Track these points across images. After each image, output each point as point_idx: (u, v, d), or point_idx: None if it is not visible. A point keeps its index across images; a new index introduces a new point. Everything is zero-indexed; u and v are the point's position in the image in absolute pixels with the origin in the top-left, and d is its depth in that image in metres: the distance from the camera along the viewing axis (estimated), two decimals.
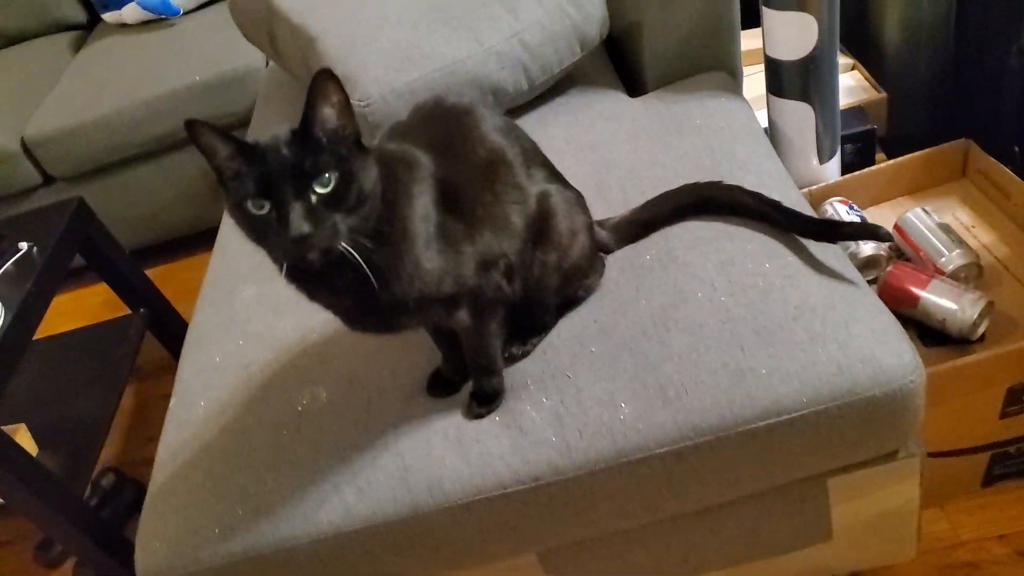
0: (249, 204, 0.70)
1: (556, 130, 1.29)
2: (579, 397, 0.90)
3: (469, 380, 0.95)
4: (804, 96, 1.27)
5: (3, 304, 1.39)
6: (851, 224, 1.22)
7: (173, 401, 1.12)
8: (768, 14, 1.22)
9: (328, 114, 0.71)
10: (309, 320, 1.11)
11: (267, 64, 2.08)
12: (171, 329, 1.99)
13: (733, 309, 0.92)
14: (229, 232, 1.37)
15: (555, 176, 0.94)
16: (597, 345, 0.94)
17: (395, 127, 0.88)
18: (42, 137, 2.14)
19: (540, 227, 0.88)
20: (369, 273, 0.73)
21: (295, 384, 1.04)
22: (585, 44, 1.31)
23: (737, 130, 1.18)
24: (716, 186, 1.04)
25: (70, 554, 1.65)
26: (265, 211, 0.70)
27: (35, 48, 2.64)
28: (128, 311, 1.92)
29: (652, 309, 0.95)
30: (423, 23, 1.25)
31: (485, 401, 0.93)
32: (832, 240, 0.98)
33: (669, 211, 1.05)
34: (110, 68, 2.26)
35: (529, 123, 1.33)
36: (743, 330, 0.89)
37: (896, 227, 1.27)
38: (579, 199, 0.97)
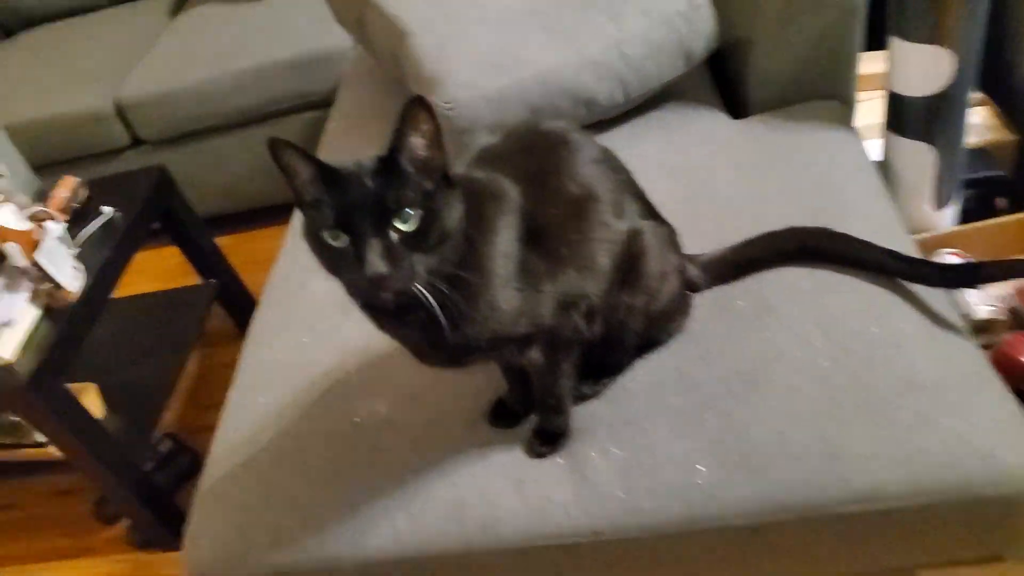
0: (326, 234, 0.67)
1: (649, 147, 1.22)
2: (652, 452, 0.84)
3: (533, 413, 0.90)
4: (927, 136, 1.17)
5: (85, 267, 1.40)
6: (995, 264, 1.02)
7: (233, 392, 1.11)
8: (897, 45, 1.12)
9: (417, 143, 0.66)
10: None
11: (355, 46, 2.05)
12: (238, 300, 2.00)
13: (832, 375, 0.84)
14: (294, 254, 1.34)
15: (648, 210, 0.88)
16: (677, 397, 0.87)
17: (485, 151, 0.82)
18: (135, 100, 2.16)
19: (628, 268, 0.82)
20: (441, 315, 0.69)
21: (355, 394, 1.00)
22: (690, 59, 1.23)
23: (848, 167, 1.09)
24: (824, 235, 0.96)
25: (123, 515, 1.68)
26: (342, 244, 0.67)
27: (137, 9, 2.68)
28: (198, 280, 1.93)
29: (741, 363, 0.88)
30: (521, 26, 1.18)
31: (549, 440, 0.88)
32: (971, 284, 0.88)
33: (769, 254, 0.97)
34: (203, 37, 2.26)
35: (620, 137, 1.26)
36: (842, 401, 0.82)
37: (1020, 291, 1.16)
38: (671, 236, 0.90)
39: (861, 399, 0.81)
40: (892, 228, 1.01)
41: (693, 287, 0.96)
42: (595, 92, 1.17)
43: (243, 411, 1.06)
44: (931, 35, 1.06)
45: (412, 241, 0.66)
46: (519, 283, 0.74)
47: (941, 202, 1.24)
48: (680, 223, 0.96)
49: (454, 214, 0.68)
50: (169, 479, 1.66)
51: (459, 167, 0.81)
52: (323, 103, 2.11)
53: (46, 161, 2.23)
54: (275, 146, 0.66)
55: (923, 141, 1.17)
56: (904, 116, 1.18)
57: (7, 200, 1.23)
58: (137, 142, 2.28)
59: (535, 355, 0.80)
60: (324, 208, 0.66)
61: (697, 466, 0.82)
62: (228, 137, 2.22)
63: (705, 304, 0.96)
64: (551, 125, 0.83)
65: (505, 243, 0.74)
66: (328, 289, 1.17)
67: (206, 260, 1.91)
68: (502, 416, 0.92)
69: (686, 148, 1.20)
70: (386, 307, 0.71)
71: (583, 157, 0.80)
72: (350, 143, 1.50)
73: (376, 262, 0.64)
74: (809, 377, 0.84)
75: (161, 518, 1.49)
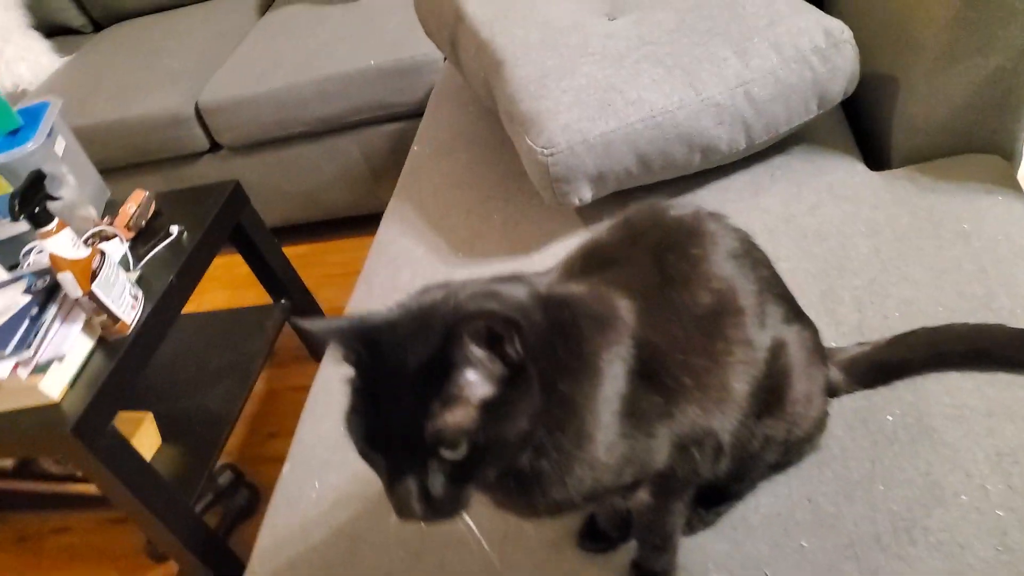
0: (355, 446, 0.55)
1: (772, 201, 1.05)
2: None
3: (630, 540, 0.76)
4: None
5: (144, 294, 1.33)
6: None
7: (286, 468, 1.01)
8: None
9: (476, 357, 0.52)
10: None
11: (445, 59, 1.93)
12: None
13: (1013, 533, 0.67)
14: (386, 264, 1.23)
15: (793, 312, 0.71)
16: (809, 538, 0.71)
17: (590, 249, 0.67)
18: (215, 105, 2.11)
19: (769, 391, 0.66)
20: (516, 488, 0.56)
21: None
22: (824, 102, 1.05)
23: (1016, 245, 0.90)
24: (1000, 334, 0.78)
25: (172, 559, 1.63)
26: (376, 463, 0.55)
27: (224, 6, 2.63)
28: (268, 298, 1.86)
29: (892, 503, 0.71)
30: (630, 59, 1.03)
31: None
32: None
33: (926, 356, 0.79)
34: (288, 39, 2.19)
35: (736, 187, 1.10)
36: (1022, 568, 0.65)
37: None
38: (816, 341, 0.73)
39: None
40: None
41: (831, 392, 0.79)
42: (714, 138, 1.01)
43: (296, 495, 0.95)
44: None
45: (462, 469, 0.52)
46: (625, 426, 0.59)
47: None
48: (810, 302, 0.80)
49: (523, 419, 0.53)
50: (226, 517, 1.59)
51: (553, 274, 0.66)
52: (410, 114, 2.01)
53: (121, 164, 2.22)
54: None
55: None
56: None
57: (64, 224, 1.15)
58: (215, 146, 2.22)
59: (642, 496, 0.65)
60: (355, 413, 0.53)
61: None
62: (308, 145, 2.14)
63: (844, 413, 0.79)
64: (680, 213, 0.67)
65: (611, 384, 0.58)
66: None
67: (278, 281, 1.83)
68: (593, 539, 0.78)
69: (817, 205, 1.03)
70: None
71: (719, 254, 0.64)
72: (438, 170, 1.38)
73: (408, 508, 0.52)
74: (981, 532, 0.68)
75: (211, 562, 1.42)
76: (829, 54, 1.01)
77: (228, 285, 2.32)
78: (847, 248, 0.96)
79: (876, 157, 1.11)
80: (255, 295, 2.14)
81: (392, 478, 0.52)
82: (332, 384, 1.06)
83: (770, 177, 1.10)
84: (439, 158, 1.42)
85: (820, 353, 0.73)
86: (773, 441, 0.69)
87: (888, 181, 1.04)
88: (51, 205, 1.17)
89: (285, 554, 0.88)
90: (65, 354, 1.17)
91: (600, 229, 0.70)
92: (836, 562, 0.69)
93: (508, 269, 1.14)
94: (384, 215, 1.38)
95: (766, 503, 0.75)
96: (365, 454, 0.54)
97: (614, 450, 0.59)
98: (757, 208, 1.05)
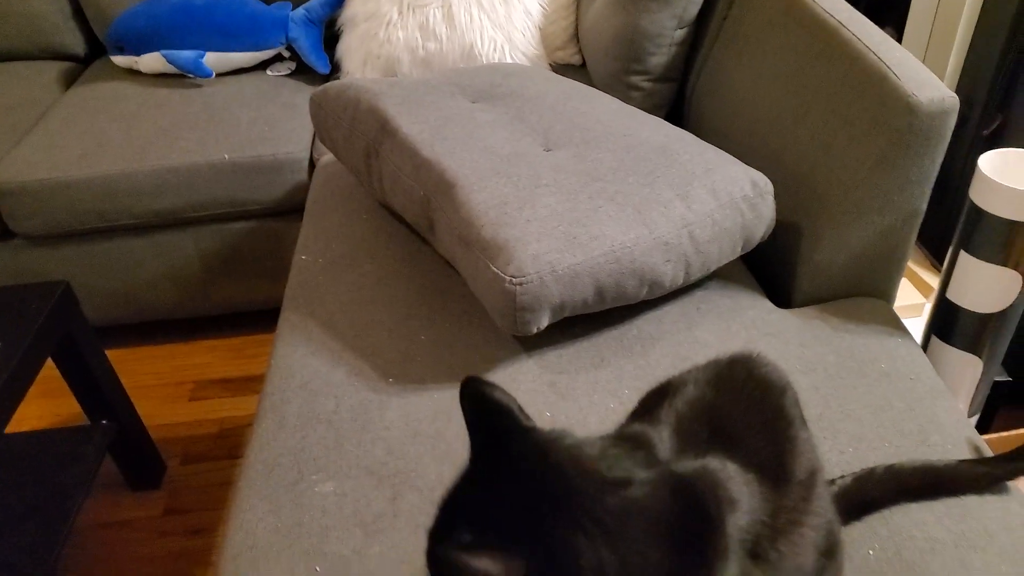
0: None
1: (706, 335, 1.11)
2: None
3: None
4: (975, 348, 1.15)
5: None
6: None
7: None
8: (964, 260, 1.10)
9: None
10: (419, 552, 0.85)
11: (312, 156, 1.84)
12: (132, 443, 1.65)
13: None
14: (296, 391, 1.09)
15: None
16: None
17: (695, 402, 0.65)
18: (13, 186, 1.79)
19: (827, 541, 0.68)
20: None
21: None
22: (747, 245, 1.15)
23: (928, 385, 1.03)
24: (945, 467, 0.87)
25: None
26: None
27: (18, 72, 2.30)
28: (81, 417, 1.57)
29: None
30: (584, 193, 1.06)
31: None
32: None
33: (891, 492, 0.86)
34: (113, 120, 1.94)
35: (671, 318, 1.14)
36: None
37: None
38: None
39: None
40: (972, 437, 0.96)
41: None
42: (661, 273, 1.06)
43: None
44: (1005, 258, 1.05)
45: None
46: None
47: (972, 411, 1.22)
48: None
49: None
50: None
51: (665, 432, 0.62)
52: (262, 214, 1.87)
53: None
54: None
55: (971, 352, 1.15)
56: (956, 326, 1.15)
57: None
58: (7, 234, 1.89)
59: None
60: None
61: None
62: (133, 239, 1.90)
63: None
64: (768, 370, 0.67)
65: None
66: (340, 491, 0.95)
67: (101, 395, 1.56)
68: None
69: (749, 341, 1.10)
70: None
71: (799, 415, 0.66)
72: (340, 284, 1.28)
73: None
74: None
75: None
76: (756, 202, 1.12)
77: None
78: None
79: (777, 297, 1.22)
80: (59, 407, 1.81)
81: None
82: (258, 536, 0.90)
83: (696, 310, 1.16)
84: (338, 270, 1.32)
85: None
86: None
87: (803, 320, 1.15)
88: None
89: None
90: None
91: (694, 376, 0.68)
92: None
93: (453, 399, 1.08)
94: (278, 331, 1.24)
95: None
96: None
97: None
98: (695, 341, 1.10)
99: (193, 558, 1.54)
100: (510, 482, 0.53)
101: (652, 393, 0.71)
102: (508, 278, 0.96)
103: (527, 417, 0.58)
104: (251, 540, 0.89)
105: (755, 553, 0.57)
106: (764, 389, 0.65)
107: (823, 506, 0.65)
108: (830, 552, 0.68)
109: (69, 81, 2.30)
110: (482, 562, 0.47)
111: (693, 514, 0.53)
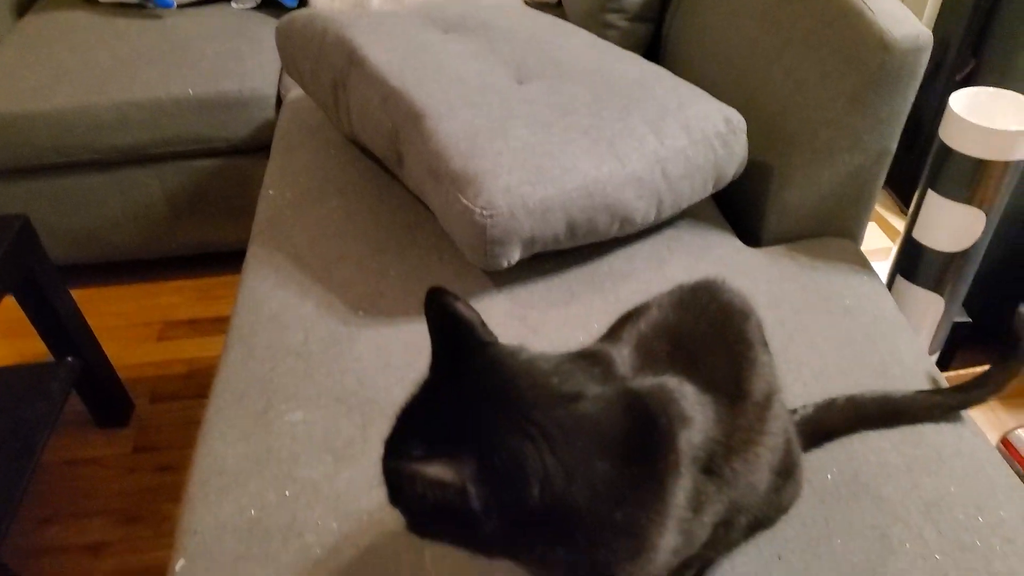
0: None
1: (676, 273, 1.12)
2: None
3: None
4: (938, 287, 1.17)
5: None
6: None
7: (180, 565, 0.83)
8: (931, 198, 1.12)
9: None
10: None
11: (279, 92, 1.80)
12: (98, 381, 1.64)
13: (951, 574, 0.76)
14: (265, 322, 1.08)
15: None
16: None
17: (659, 324, 0.65)
18: None
19: (783, 462, 0.69)
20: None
21: None
22: (719, 183, 1.15)
23: (891, 322, 1.05)
24: (902, 396, 0.90)
25: None
26: None
27: None
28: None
29: (852, 556, 0.78)
30: (557, 126, 1.05)
31: None
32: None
33: (850, 420, 0.89)
34: (72, 52, 1.87)
35: (642, 256, 1.15)
36: None
37: (1005, 442, 1.18)
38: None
39: None
40: (930, 371, 0.99)
41: None
42: (633, 210, 1.06)
43: None
44: (970, 196, 1.07)
45: None
46: (682, 521, 0.57)
47: (933, 349, 1.25)
48: None
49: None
50: None
51: (625, 350, 0.62)
52: (228, 151, 1.83)
53: None
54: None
55: (934, 291, 1.18)
56: (920, 265, 1.18)
57: None
58: None
59: None
60: None
61: None
62: (94, 176, 1.84)
63: None
64: (731, 295, 0.68)
65: (683, 492, 0.56)
66: (308, 421, 0.95)
67: (65, 332, 1.54)
68: None
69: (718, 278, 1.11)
70: None
71: (760, 337, 0.67)
72: (308, 218, 1.26)
73: None
74: (927, 575, 0.76)
75: None
76: (728, 139, 1.11)
77: None
78: None
79: (746, 236, 1.23)
80: (24, 347, 1.79)
81: None
82: (227, 461, 0.90)
83: (667, 249, 1.17)
84: (306, 205, 1.31)
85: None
86: (780, 507, 0.72)
87: (771, 258, 1.16)
88: None
89: None
90: None
91: (658, 300, 0.69)
92: None
93: (424, 332, 1.08)
94: (246, 264, 1.22)
95: (741, 563, 0.78)
96: None
97: (669, 543, 0.56)
98: (665, 278, 1.11)
99: (163, 494, 1.54)
100: (464, 393, 0.54)
101: (620, 319, 0.71)
102: (478, 210, 0.96)
103: (488, 332, 0.58)
104: (220, 466, 0.90)
105: (709, 469, 0.59)
106: (727, 313, 0.66)
107: (779, 427, 0.67)
108: (787, 472, 0.71)
109: (22, 10, 2.20)
110: (432, 469, 0.48)
111: (645, 429, 0.55)
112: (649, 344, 0.63)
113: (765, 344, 0.68)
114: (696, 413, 0.58)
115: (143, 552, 1.45)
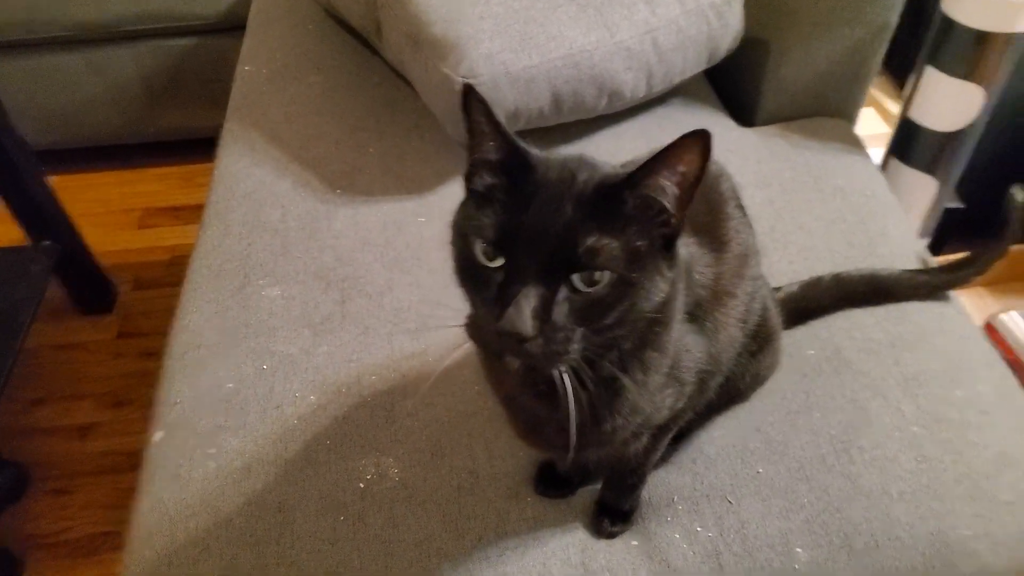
0: (478, 246, 0.49)
1: None
2: (743, 532, 0.72)
3: (590, 483, 0.75)
4: (931, 168, 1.14)
5: None
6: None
7: (157, 436, 0.83)
8: (930, 75, 1.07)
9: (664, 187, 0.48)
10: (367, 352, 0.86)
11: None
12: (79, 267, 1.62)
13: (927, 446, 0.77)
14: (241, 200, 1.05)
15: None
16: (765, 465, 0.76)
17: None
18: None
19: (760, 328, 0.69)
20: (573, 410, 0.50)
21: (353, 448, 0.79)
22: (713, 57, 1.10)
23: (882, 201, 1.03)
24: (889, 275, 0.89)
25: None
26: (494, 266, 0.49)
27: None
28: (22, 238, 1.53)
29: (830, 427, 0.78)
30: None
31: (622, 518, 0.73)
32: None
33: (834, 298, 0.88)
34: None
35: (630, 134, 1.11)
36: (941, 476, 0.75)
37: (988, 327, 1.18)
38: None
39: (960, 473, 0.76)
40: (919, 251, 0.98)
41: None
42: (622, 82, 1.01)
43: (185, 471, 0.78)
44: (970, 71, 1.02)
45: (585, 310, 0.48)
46: (676, 370, 0.58)
47: (924, 234, 1.24)
48: None
49: (657, 295, 0.50)
50: None
51: None
52: (204, 30, 1.75)
53: None
54: (469, 94, 0.49)
55: (927, 173, 1.15)
56: (915, 146, 1.14)
57: None
58: None
59: (643, 440, 0.64)
60: (489, 213, 0.48)
61: (795, 548, 0.72)
62: (67, 55, 1.77)
63: None
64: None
65: (677, 327, 0.57)
66: (286, 296, 0.94)
67: (41, 216, 1.51)
68: (552, 484, 0.75)
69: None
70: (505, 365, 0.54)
71: (734, 198, 0.65)
72: (285, 95, 1.21)
73: (520, 319, 0.45)
74: (904, 446, 0.77)
75: None
76: (723, 11, 1.06)
77: None
78: (745, 199, 1.02)
79: (740, 115, 1.19)
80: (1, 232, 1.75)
81: (511, 284, 0.47)
82: (204, 335, 0.89)
83: (658, 127, 1.13)
84: (283, 81, 1.25)
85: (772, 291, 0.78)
86: (757, 377, 0.72)
87: (763, 137, 1.12)
88: None
89: (184, 532, 0.73)
90: None
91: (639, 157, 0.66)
92: (791, 484, 0.75)
93: (404, 210, 1.05)
94: (222, 142, 1.18)
95: (719, 436, 0.79)
96: (487, 251, 0.49)
97: (664, 391, 0.57)
98: None
99: (148, 378, 1.53)
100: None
101: None
102: (459, 78, 0.91)
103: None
104: (197, 339, 0.89)
105: (694, 316, 0.59)
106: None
107: (756, 287, 0.66)
108: (764, 338, 0.70)
109: None
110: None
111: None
112: None
113: (739, 204, 0.67)
114: (690, 247, 0.59)
115: (130, 435, 1.47)
